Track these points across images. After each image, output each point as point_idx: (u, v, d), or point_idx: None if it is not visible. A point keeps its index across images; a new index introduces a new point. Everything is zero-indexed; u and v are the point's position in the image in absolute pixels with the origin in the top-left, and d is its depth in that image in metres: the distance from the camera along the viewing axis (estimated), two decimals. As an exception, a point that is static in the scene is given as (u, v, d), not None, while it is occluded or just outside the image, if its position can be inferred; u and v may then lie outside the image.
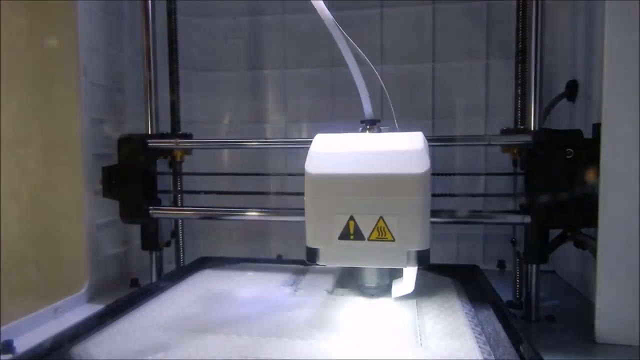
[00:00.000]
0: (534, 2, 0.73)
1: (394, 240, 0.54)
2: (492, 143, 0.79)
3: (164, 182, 0.90)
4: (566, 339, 0.69)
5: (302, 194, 0.84)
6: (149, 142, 0.85)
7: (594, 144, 0.67)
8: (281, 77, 1.19)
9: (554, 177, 0.70)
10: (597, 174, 0.66)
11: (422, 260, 0.55)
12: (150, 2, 0.86)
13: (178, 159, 0.92)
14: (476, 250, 1.04)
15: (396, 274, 0.68)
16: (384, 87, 0.69)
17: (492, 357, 0.53)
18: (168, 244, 0.92)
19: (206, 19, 1.19)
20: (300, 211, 0.83)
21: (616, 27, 0.64)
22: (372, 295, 0.66)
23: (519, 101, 0.80)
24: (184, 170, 0.94)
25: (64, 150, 0.84)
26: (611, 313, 0.66)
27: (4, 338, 0.65)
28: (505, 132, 0.79)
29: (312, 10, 1.20)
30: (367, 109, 0.64)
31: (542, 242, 0.74)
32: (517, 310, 0.79)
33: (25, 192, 0.75)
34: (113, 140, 0.85)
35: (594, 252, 0.68)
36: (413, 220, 0.54)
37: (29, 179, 0.76)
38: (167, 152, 0.90)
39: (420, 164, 0.54)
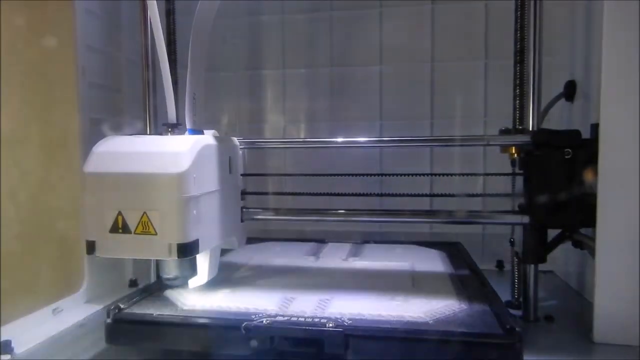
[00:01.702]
0: (532, 3, 0.73)
1: (156, 234, 0.58)
2: (490, 143, 0.79)
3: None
4: (564, 339, 0.69)
5: (305, 194, 0.85)
6: (147, 142, 0.84)
7: (593, 144, 0.67)
8: (280, 78, 1.19)
9: (552, 177, 0.70)
10: (596, 174, 0.66)
11: (184, 252, 0.59)
12: (148, 1, 0.86)
13: (177, 159, 0.92)
14: (475, 250, 1.03)
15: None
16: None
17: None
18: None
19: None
20: (301, 211, 0.85)
21: (614, 28, 0.65)
22: (173, 287, 0.71)
23: (518, 101, 0.80)
24: (183, 170, 0.94)
25: (62, 150, 0.84)
26: (609, 313, 0.66)
27: (2, 338, 0.65)
28: (503, 132, 0.79)
29: (312, 10, 1.21)
30: (170, 113, 0.70)
31: (541, 242, 0.74)
32: (516, 310, 0.79)
33: (24, 192, 0.75)
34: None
35: (592, 252, 0.68)
36: (172, 215, 0.58)
37: (27, 179, 0.76)
38: (166, 152, 0.90)
39: (179, 164, 0.59)
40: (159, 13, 0.89)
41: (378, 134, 1.14)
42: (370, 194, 0.81)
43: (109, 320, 0.62)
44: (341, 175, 0.84)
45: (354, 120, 1.16)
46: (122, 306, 0.64)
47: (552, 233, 0.76)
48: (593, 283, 0.66)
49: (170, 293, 0.71)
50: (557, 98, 0.90)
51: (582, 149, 0.69)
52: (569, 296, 0.89)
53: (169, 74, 0.69)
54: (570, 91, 0.90)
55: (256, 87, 1.20)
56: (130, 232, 0.59)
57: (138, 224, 0.59)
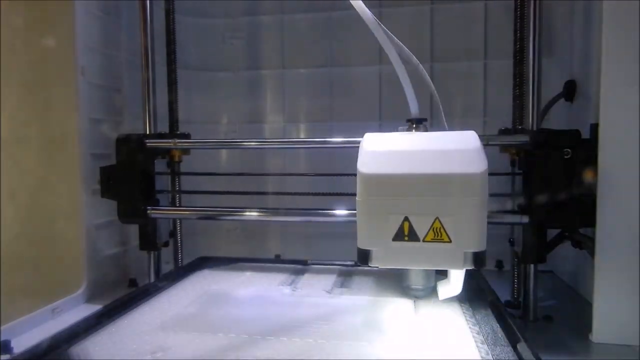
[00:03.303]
0: (532, 3, 0.73)
1: (450, 242, 0.53)
2: (490, 143, 0.79)
3: (162, 182, 0.90)
4: (564, 339, 0.69)
5: (301, 193, 0.85)
6: (147, 142, 0.84)
7: (592, 144, 0.67)
8: (280, 78, 1.19)
9: (551, 177, 0.70)
10: (595, 173, 0.66)
11: (479, 262, 0.54)
12: (148, 1, 0.86)
13: (176, 159, 0.92)
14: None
15: (440, 276, 0.68)
16: (432, 87, 0.69)
17: (490, 356, 0.53)
18: (166, 244, 0.92)
19: (204, 19, 1.19)
20: (298, 211, 0.85)
21: (614, 28, 0.65)
22: (417, 297, 0.65)
23: (517, 101, 0.80)
24: (182, 170, 0.94)
25: (61, 150, 0.84)
26: (609, 313, 0.66)
27: (1, 338, 0.65)
28: (503, 132, 0.80)
29: (311, 10, 1.20)
30: (414, 108, 0.63)
31: (540, 242, 0.74)
32: (515, 310, 0.79)
33: (23, 192, 0.75)
34: (111, 140, 0.85)
35: (591, 251, 0.68)
36: (470, 221, 0.53)
37: (26, 179, 0.76)
38: (165, 152, 0.90)
39: (477, 164, 0.53)
40: (159, 13, 0.90)
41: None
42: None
43: None
44: (340, 175, 0.84)
45: (353, 120, 1.16)
46: None
47: (552, 233, 0.76)
48: (592, 283, 0.66)
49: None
50: (557, 98, 0.90)
51: (582, 148, 0.69)
52: (568, 296, 0.89)
53: (404, 69, 0.63)
54: (569, 91, 0.90)
55: (255, 87, 1.20)
56: (418, 240, 0.54)
57: (429, 230, 0.54)
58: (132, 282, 0.96)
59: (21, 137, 0.74)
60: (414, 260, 0.56)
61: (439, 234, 0.53)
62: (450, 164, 0.53)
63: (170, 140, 0.88)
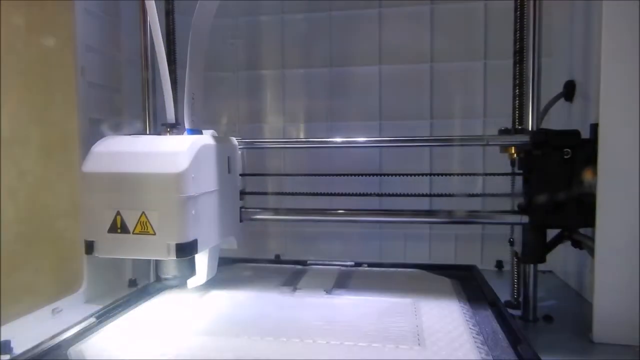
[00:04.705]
0: (532, 3, 0.73)
1: (154, 234, 0.59)
2: (490, 143, 0.79)
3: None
4: (564, 339, 0.69)
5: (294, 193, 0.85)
6: (146, 142, 0.84)
7: (592, 144, 0.67)
8: (279, 78, 1.19)
9: (551, 177, 0.70)
10: (595, 174, 0.66)
11: (182, 252, 0.59)
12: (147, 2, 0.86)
13: (176, 159, 0.92)
14: (474, 250, 1.04)
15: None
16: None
17: (490, 357, 0.54)
18: (166, 244, 0.92)
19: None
20: (301, 211, 0.85)
21: (613, 28, 0.65)
22: (171, 287, 0.70)
23: (517, 101, 0.80)
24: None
25: (61, 150, 0.84)
26: (609, 313, 0.66)
27: (1, 338, 0.65)
28: (503, 132, 0.79)
29: (311, 10, 1.20)
30: (169, 113, 0.70)
31: (540, 242, 0.74)
32: (515, 310, 0.79)
33: (23, 192, 0.75)
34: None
35: (591, 252, 0.68)
36: (171, 215, 0.58)
37: (26, 179, 0.76)
38: (165, 152, 0.90)
39: (177, 164, 0.59)
40: (158, 13, 0.90)
41: (377, 134, 1.14)
42: (370, 194, 0.81)
43: None
44: (340, 175, 0.84)
45: (353, 120, 1.16)
46: None
47: (552, 233, 0.76)
48: (592, 283, 0.66)
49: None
50: (557, 98, 0.90)
51: (582, 149, 0.69)
52: (568, 296, 0.89)
53: (168, 74, 0.69)
54: (569, 91, 0.90)
55: (255, 87, 1.20)
56: (128, 232, 0.59)
57: (136, 223, 0.59)
58: (132, 283, 0.96)
59: (21, 137, 0.74)
60: (127, 251, 0.61)
61: (146, 226, 0.59)
62: (155, 164, 0.59)
63: (170, 140, 0.88)
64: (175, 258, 0.60)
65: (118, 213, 0.60)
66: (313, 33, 1.17)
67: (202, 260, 0.72)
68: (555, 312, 0.77)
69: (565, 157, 0.70)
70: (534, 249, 0.74)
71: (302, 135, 1.19)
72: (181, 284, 0.70)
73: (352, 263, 0.93)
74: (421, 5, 1.11)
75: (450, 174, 0.83)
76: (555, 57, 0.97)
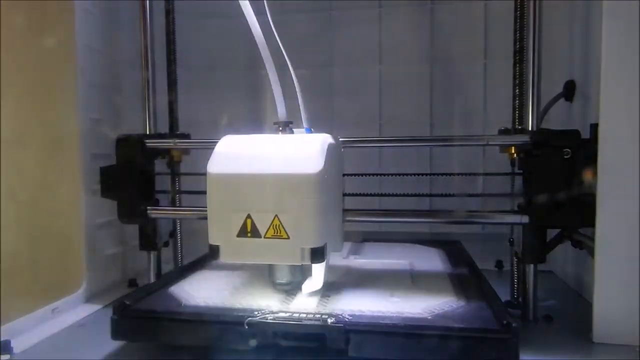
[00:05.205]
0: (531, 3, 0.73)
1: (288, 238, 0.56)
2: (490, 143, 0.79)
3: (162, 182, 0.90)
4: (564, 339, 0.69)
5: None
6: (147, 142, 0.84)
7: (592, 144, 0.67)
8: (280, 78, 1.19)
9: (551, 177, 0.70)
10: (595, 173, 0.66)
11: (316, 257, 0.57)
12: (148, 1, 0.86)
13: (176, 159, 0.92)
14: (474, 250, 1.03)
15: (308, 271, 0.71)
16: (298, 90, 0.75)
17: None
18: (166, 245, 0.92)
19: (205, 19, 1.19)
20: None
21: (613, 28, 0.65)
22: (285, 292, 0.68)
23: (517, 101, 0.80)
24: (182, 170, 0.94)
25: (61, 150, 0.84)
26: (609, 313, 0.66)
27: (1, 338, 0.65)
28: (503, 132, 0.79)
29: (311, 10, 1.20)
30: (281, 111, 0.68)
31: (540, 242, 0.74)
32: (515, 310, 0.79)
33: (23, 192, 0.75)
34: (111, 140, 0.85)
35: (591, 252, 0.68)
36: (307, 218, 0.56)
37: (26, 179, 0.76)
38: (165, 152, 0.90)
39: (313, 165, 0.56)
40: (158, 13, 0.90)
41: (377, 134, 1.14)
42: (370, 194, 0.81)
43: (114, 317, 0.61)
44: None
45: (353, 120, 1.16)
46: (127, 302, 0.64)
47: (552, 233, 0.76)
48: (592, 283, 0.66)
49: (173, 290, 0.70)
50: (557, 98, 0.90)
51: (582, 148, 0.69)
52: (568, 296, 0.89)
53: (276, 73, 0.68)
54: (569, 91, 0.90)
55: (255, 87, 1.20)
56: (259, 236, 0.57)
57: (269, 227, 0.56)
58: (132, 283, 0.96)
59: (21, 137, 0.74)
60: (256, 255, 0.58)
61: (278, 230, 0.56)
62: (289, 165, 0.57)
63: (170, 141, 0.88)
64: (310, 263, 0.57)
65: (249, 216, 0.57)
66: (313, 33, 1.17)
67: (321, 264, 0.65)
68: (555, 312, 0.77)
69: (565, 157, 0.70)
70: (534, 249, 0.74)
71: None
72: (294, 288, 0.67)
73: (361, 239, 1.01)
74: (421, 5, 1.11)
75: (450, 174, 0.83)
76: (556, 57, 0.97)
